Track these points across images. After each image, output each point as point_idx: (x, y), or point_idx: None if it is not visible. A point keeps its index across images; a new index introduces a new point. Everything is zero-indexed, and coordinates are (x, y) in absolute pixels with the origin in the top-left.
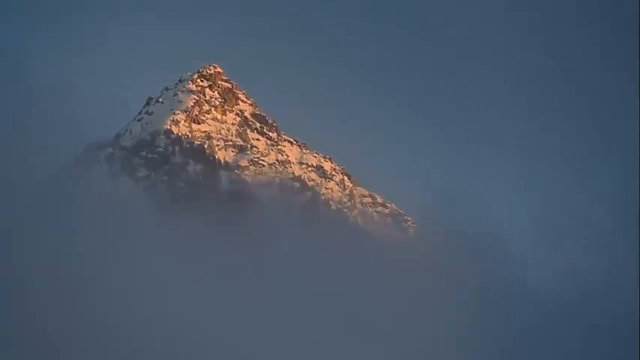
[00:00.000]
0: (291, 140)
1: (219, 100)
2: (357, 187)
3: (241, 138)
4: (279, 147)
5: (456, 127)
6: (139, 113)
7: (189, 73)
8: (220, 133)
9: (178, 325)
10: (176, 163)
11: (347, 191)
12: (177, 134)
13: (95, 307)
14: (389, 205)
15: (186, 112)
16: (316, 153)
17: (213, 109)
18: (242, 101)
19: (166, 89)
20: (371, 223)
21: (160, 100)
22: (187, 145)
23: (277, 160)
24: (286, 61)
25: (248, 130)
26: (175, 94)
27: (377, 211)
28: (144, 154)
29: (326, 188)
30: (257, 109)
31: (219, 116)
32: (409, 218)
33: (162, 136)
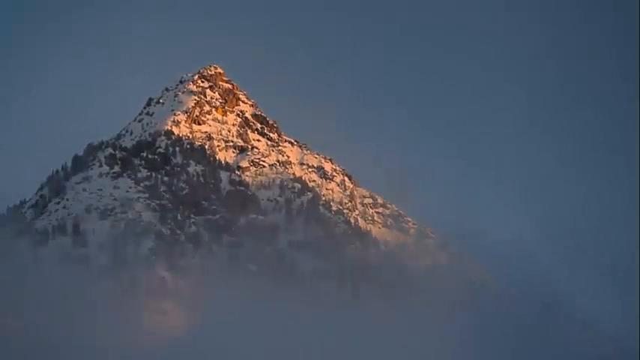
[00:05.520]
0: (292, 141)
1: (220, 100)
2: (358, 188)
3: (242, 139)
4: (279, 148)
5: (456, 127)
6: (140, 114)
7: (189, 74)
8: (221, 134)
9: (177, 324)
10: (177, 163)
11: (347, 192)
12: (178, 135)
13: (95, 306)
14: (389, 205)
15: (186, 112)
16: (317, 154)
17: (213, 109)
18: (243, 102)
19: (167, 90)
20: (371, 224)
21: (161, 100)
22: (188, 146)
23: (278, 161)
24: (287, 61)
25: (249, 131)
26: (176, 95)
27: (377, 212)
28: (144, 154)
29: (327, 189)
30: (258, 109)
31: (219, 117)
32: (409, 219)
33: (163, 137)
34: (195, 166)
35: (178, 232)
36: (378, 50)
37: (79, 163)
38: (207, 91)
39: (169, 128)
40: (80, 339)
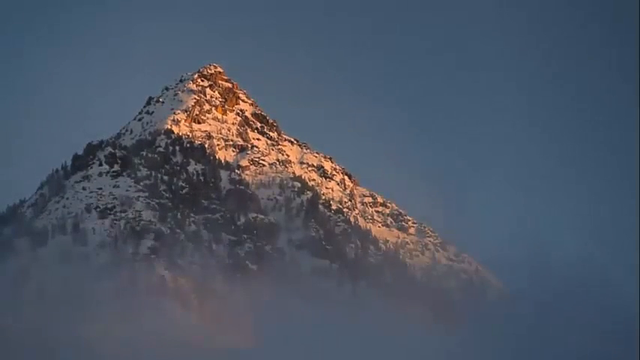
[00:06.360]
0: (292, 140)
1: (220, 99)
2: (358, 187)
3: (242, 138)
4: (279, 147)
5: (456, 127)
6: (140, 113)
7: (189, 73)
8: (221, 133)
9: (177, 323)
10: (176, 162)
11: (347, 191)
12: (178, 134)
13: (95, 305)
14: (389, 204)
15: (186, 111)
16: (317, 153)
17: (213, 108)
18: (242, 101)
19: (167, 89)
20: (371, 223)
21: (161, 99)
22: (188, 145)
23: (278, 160)
24: (287, 61)
25: (248, 130)
26: (176, 94)
27: (377, 211)
28: (144, 153)
29: (326, 188)
30: (257, 108)
31: (219, 116)
32: (409, 218)
33: (163, 136)
34: (195, 165)
35: (178, 231)
36: (378, 50)
37: (79, 162)
38: (207, 90)
39: (169, 127)
40: (80, 339)
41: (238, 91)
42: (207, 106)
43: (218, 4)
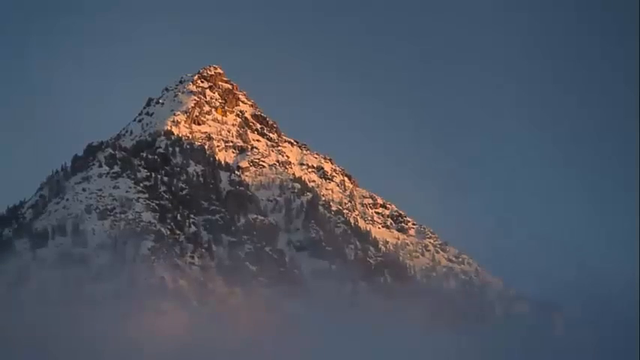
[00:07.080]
0: (292, 141)
1: (220, 101)
2: (358, 188)
3: (242, 139)
4: (279, 148)
5: (455, 127)
6: (140, 114)
7: (189, 74)
8: (221, 134)
9: (177, 324)
10: (176, 164)
11: (347, 192)
12: (178, 135)
13: (95, 305)
14: (389, 205)
15: (186, 113)
16: (317, 154)
17: (213, 110)
18: (242, 102)
19: (167, 90)
20: (371, 224)
21: (161, 101)
22: (188, 146)
23: (278, 161)
24: (287, 62)
25: (248, 131)
26: (176, 95)
27: (377, 212)
28: (144, 154)
29: (326, 189)
30: (257, 110)
31: (219, 117)
32: (409, 219)
33: (163, 137)
34: (195, 166)
35: (178, 232)
36: (378, 50)
37: (79, 163)
38: (207, 91)
39: (169, 128)
40: (80, 339)
41: (238, 93)
42: (207, 108)
43: (218, 5)
